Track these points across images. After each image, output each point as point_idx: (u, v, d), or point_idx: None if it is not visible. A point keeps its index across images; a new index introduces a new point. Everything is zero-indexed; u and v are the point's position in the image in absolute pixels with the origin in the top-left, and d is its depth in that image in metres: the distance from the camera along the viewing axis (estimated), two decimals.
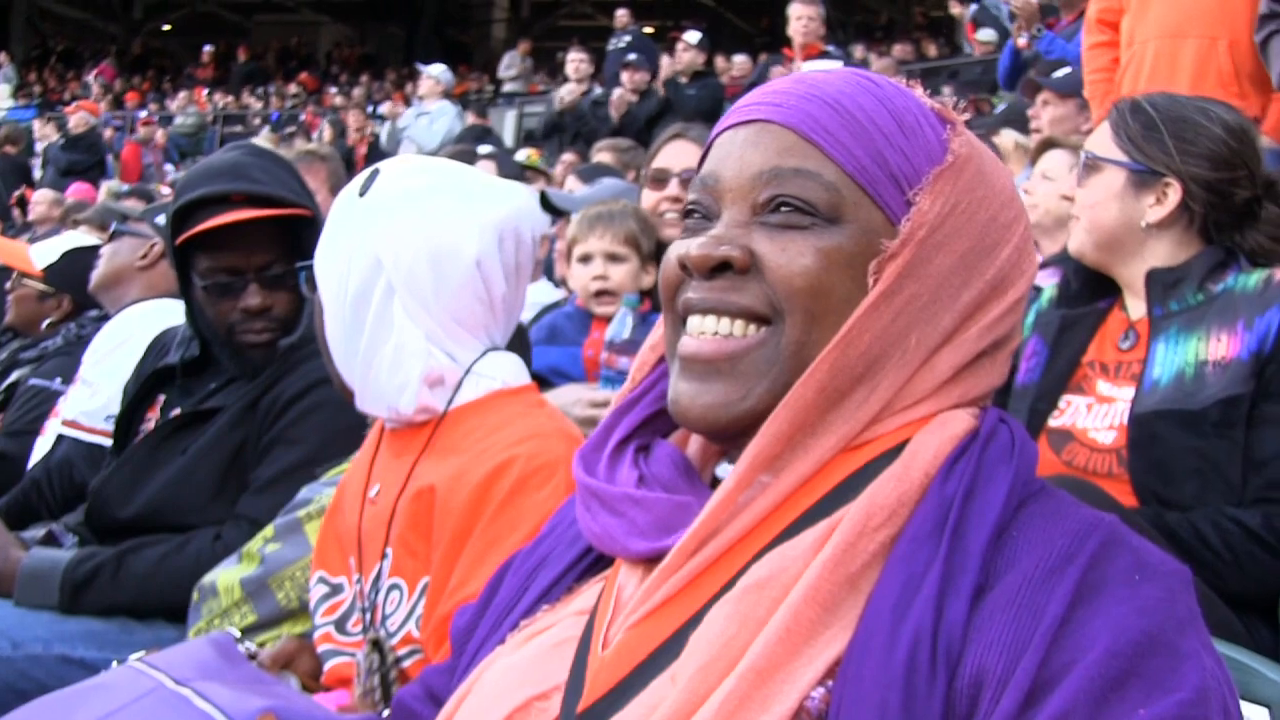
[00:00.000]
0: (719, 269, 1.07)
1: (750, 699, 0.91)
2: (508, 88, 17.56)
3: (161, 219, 3.56)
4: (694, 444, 1.19)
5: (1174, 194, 2.34)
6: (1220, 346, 2.22)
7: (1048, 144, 4.08)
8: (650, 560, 1.07)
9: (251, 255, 2.62)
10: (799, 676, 0.92)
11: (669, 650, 0.98)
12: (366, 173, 1.89)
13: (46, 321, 4.41)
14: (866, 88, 1.10)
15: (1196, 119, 2.37)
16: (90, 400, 3.31)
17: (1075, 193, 2.52)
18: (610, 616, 1.07)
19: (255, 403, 2.61)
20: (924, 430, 1.04)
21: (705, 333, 1.08)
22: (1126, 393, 2.32)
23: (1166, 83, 3.99)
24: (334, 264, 1.84)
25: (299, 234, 2.62)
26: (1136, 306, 2.43)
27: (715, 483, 1.16)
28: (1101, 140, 2.46)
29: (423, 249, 1.78)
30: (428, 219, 1.80)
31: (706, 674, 0.93)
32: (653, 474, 1.13)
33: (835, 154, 1.06)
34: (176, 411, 2.74)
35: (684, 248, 1.10)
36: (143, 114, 17.17)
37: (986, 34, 11.64)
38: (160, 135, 15.89)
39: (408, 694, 1.43)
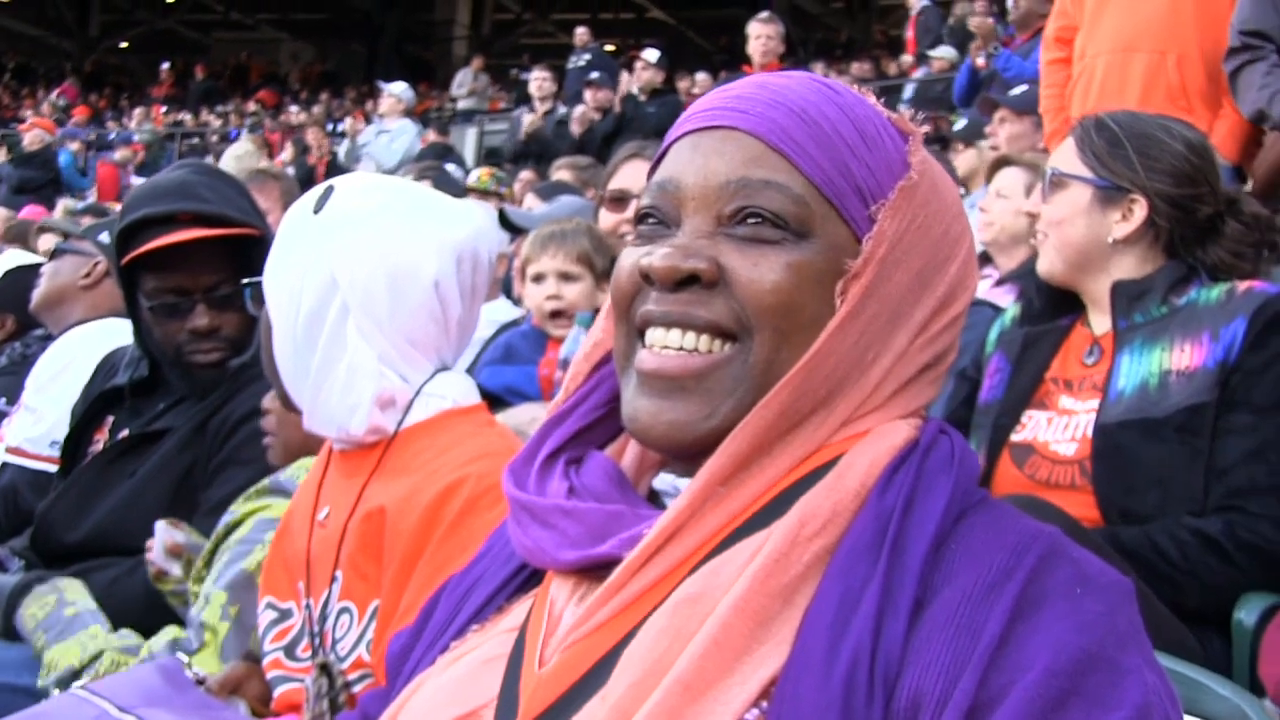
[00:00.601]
0: (685, 281, 1.03)
1: (680, 715, 0.89)
2: (463, 105, 17.55)
3: (105, 237, 3.51)
4: (629, 455, 1.16)
5: (1140, 210, 2.36)
6: (1184, 356, 2.24)
7: (1002, 162, 4.11)
8: (581, 571, 1.04)
9: (199, 275, 2.59)
10: (733, 696, 0.90)
11: (603, 669, 0.96)
12: (320, 189, 1.86)
13: None
14: (829, 96, 1.08)
15: (1159, 136, 2.39)
16: (34, 427, 3.26)
17: (1040, 210, 2.53)
18: (544, 632, 1.04)
19: (204, 424, 2.58)
20: (861, 441, 1.02)
21: (669, 347, 1.03)
22: (1089, 405, 2.33)
23: (1116, 97, 4.03)
24: (286, 281, 1.81)
25: (248, 253, 2.58)
26: (1100, 322, 2.44)
27: (651, 494, 1.13)
28: (1066, 157, 2.47)
29: (380, 269, 1.76)
30: (386, 238, 1.77)
31: (636, 692, 0.91)
32: (584, 485, 1.09)
33: (804, 165, 1.03)
34: (125, 433, 2.71)
35: (644, 256, 1.04)
36: (137, 138, 17.01)
37: (945, 50, 11.78)
38: (140, 157, 15.76)
39: None
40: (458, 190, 5.96)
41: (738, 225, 1.03)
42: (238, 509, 2.18)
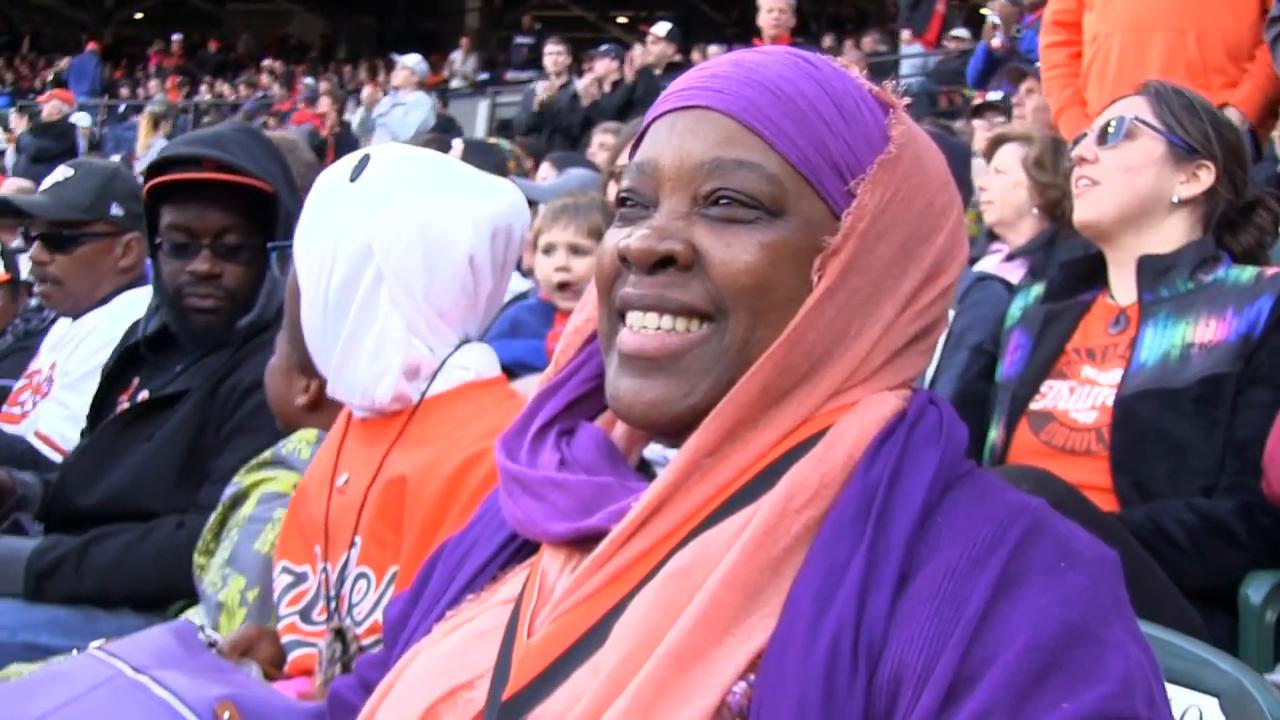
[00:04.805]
0: (662, 263, 1.03)
1: (669, 687, 0.90)
2: (455, 83, 17.53)
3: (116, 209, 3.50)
4: (620, 426, 1.16)
5: (1207, 176, 2.40)
6: (1209, 331, 2.26)
7: (999, 140, 4.13)
8: (572, 543, 1.06)
9: (208, 219, 2.64)
10: (721, 668, 0.91)
11: (593, 639, 0.97)
12: (355, 157, 1.87)
13: None
14: (806, 71, 1.07)
15: (1221, 115, 2.45)
16: (67, 423, 3.21)
17: (1099, 154, 2.45)
18: (535, 603, 1.05)
19: (218, 387, 2.60)
20: (849, 413, 1.02)
21: (647, 328, 1.04)
22: (1112, 376, 2.34)
23: (1134, 75, 3.98)
24: (318, 246, 1.81)
25: (267, 214, 2.63)
26: (1125, 293, 2.45)
27: (641, 464, 1.14)
28: (1138, 108, 2.46)
29: (417, 240, 1.77)
30: (423, 210, 1.79)
31: (628, 664, 0.92)
32: (574, 457, 1.10)
33: (778, 143, 1.03)
34: (144, 395, 2.73)
35: (623, 239, 1.06)
36: (149, 109, 17.01)
37: (962, 31, 11.71)
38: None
39: (343, 685, 1.40)
40: (494, 160, 5.95)
41: (712, 206, 1.04)
42: (241, 480, 2.18)
